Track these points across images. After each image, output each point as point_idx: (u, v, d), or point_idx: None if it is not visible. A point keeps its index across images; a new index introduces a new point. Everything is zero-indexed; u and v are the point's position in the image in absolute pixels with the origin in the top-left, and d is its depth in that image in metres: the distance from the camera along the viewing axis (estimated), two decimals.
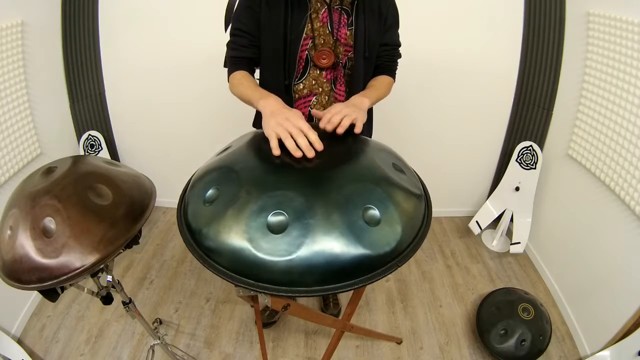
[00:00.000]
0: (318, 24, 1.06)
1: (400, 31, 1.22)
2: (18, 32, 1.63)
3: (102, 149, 2.20)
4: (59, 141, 2.07)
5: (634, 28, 1.40)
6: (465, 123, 2.18)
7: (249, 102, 1.02)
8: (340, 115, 0.86)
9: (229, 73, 1.13)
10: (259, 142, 0.85)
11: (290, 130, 0.78)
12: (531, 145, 2.06)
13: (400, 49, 1.24)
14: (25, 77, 1.72)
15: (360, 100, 1.00)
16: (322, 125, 0.86)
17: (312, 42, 1.07)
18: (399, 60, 1.27)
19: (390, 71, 1.24)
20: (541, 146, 2.07)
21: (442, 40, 1.94)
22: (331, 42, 1.08)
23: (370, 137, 1.30)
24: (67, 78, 2.06)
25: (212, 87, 2.09)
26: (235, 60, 1.12)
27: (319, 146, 0.76)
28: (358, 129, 0.88)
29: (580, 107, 1.73)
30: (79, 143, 2.18)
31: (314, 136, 0.77)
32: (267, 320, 1.73)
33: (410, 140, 2.22)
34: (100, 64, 2.05)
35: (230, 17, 1.89)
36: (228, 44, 1.13)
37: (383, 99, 1.17)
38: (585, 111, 1.70)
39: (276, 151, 0.76)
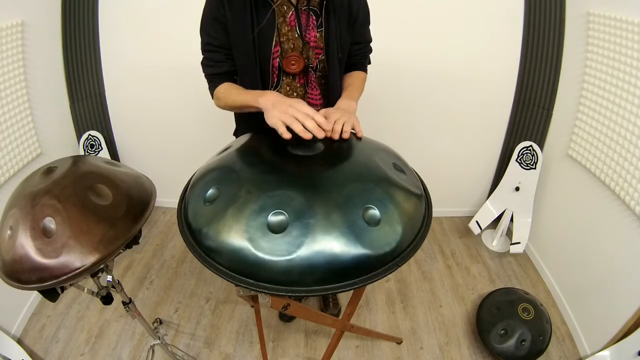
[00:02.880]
0: (286, 28, 1.01)
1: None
2: (18, 32, 1.63)
3: (102, 149, 2.20)
4: (59, 141, 2.07)
5: (634, 28, 1.40)
6: (465, 123, 2.18)
7: (245, 107, 0.99)
8: (340, 122, 0.86)
9: (211, 90, 1.09)
10: (259, 142, 0.85)
11: (296, 115, 0.77)
12: (531, 145, 2.06)
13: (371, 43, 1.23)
14: (25, 77, 1.72)
15: (349, 105, 1.00)
16: (327, 135, 0.86)
17: (281, 47, 1.02)
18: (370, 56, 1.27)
19: (363, 66, 1.23)
20: (541, 146, 2.07)
21: (442, 41, 1.93)
22: (300, 45, 1.04)
23: None
24: (67, 78, 2.06)
25: None
26: (214, 77, 1.07)
27: (327, 126, 0.76)
28: (360, 133, 0.89)
29: (580, 107, 1.73)
30: (79, 143, 2.18)
31: (320, 118, 0.77)
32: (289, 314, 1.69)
33: (410, 140, 2.22)
34: (100, 64, 2.05)
35: None
36: (202, 62, 1.08)
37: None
38: (585, 111, 1.70)
39: (287, 135, 0.75)
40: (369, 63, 1.28)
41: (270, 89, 1.08)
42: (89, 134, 2.17)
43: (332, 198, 0.65)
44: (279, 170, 0.75)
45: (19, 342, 1.63)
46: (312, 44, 1.03)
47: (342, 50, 1.07)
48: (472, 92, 2.07)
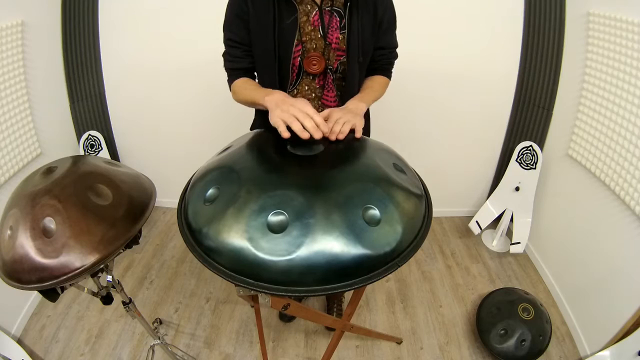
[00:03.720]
0: (309, 28, 1.00)
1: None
2: (18, 32, 1.63)
3: (102, 149, 2.20)
4: (59, 141, 2.07)
5: (634, 28, 1.40)
6: (466, 123, 2.18)
7: (254, 104, 1.00)
8: (340, 123, 0.86)
9: (230, 83, 1.11)
10: (259, 142, 0.86)
11: (296, 114, 0.78)
12: (531, 145, 2.06)
13: (397, 49, 1.21)
14: (25, 77, 1.72)
15: (356, 106, 0.98)
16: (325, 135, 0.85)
17: (303, 47, 1.02)
18: (395, 61, 1.23)
19: (387, 72, 1.21)
20: (541, 146, 2.07)
21: (443, 41, 1.93)
22: (322, 46, 1.02)
23: (368, 136, 1.29)
24: (67, 78, 2.06)
25: (213, 87, 2.09)
26: (233, 72, 1.10)
27: (325, 128, 0.76)
28: (358, 134, 0.88)
29: (580, 107, 1.73)
30: (79, 143, 2.18)
31: (319, 119, 0.77)
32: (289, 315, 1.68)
33: (411, 140, 2.22)
34: (100, 64, 2.05)
35: None
36: (223, 55, 1.11)
37: (379, 99, 1.15)
38: (585, 111, 1.70)
39: (285, 134, 0.76)
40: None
41: (289, 88, 1.08)
42: (89, 134, 2.17)
43: (332, 198, 0.65)
44: (279, 170, 0.75)
45: (19, 342, 1.63)
46: (333, 45, 1.02)
47: (364, 54, 1.05)
48: (472, 92, 2.07)
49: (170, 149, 2.34)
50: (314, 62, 1.03)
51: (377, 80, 1.16)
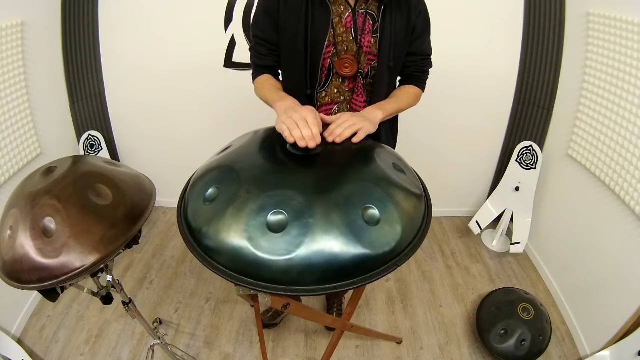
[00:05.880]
0: (341, 29, 0.99)
1: None
2: (18, 32, 1.63)
3: (102, 149, 2.20)
4: (59, 141, 2.07)
5: (634, 28, 1.40)
6: (465, 123, 2.18)
7: (268, 104, 1.00)
8: (343, 127, 0.85)
9: (253, 78, 1.12)
10: (259, 142, 0.85)
11: (298, 122, 0.78)
12: (531, 145, 2.06)
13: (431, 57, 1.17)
14: (25, 77, 1.72)
15: (372, 112, 0.96)
16: (324, 134, 0.85)
17: (334, 49, 1.00)
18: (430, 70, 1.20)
19: (419, 82, 1.17)
20: (541, 146, 2.07)
21: (442, 40, 1.92)
22: (355, 49, 1.01)
23: (394, 147, 1.26)
24: (67, 78, 2.06)
25: (212, 87, 2.09)
26: (257, 68, 1.10)
27: (313, 143, 0.76)
28: (356, 139, 0.86)
29: (580, 107, 1.73)
30: (79, 143, 2.18)
31: (316, 130, 0.78)
32: (269, 321, 1.72)
33: (410, 140, 2.21)
34: (100, 64, 2.05)
35: (231, 18, 1.89)
36: (250, 50, 1.11)
37: (407, 109, 1.13)
38: (585, 111, 1.70)
39: (291, 138, 0.77)
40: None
41: (317, 89, 1.06)
42: (89, 134, 2.17)
43: (332, 198, 0.65)
44: (279, 169, 0.75)
45: (19, 342, 1.63)
46: (365, 48, 1.00)
47: (395, 59, 1.03)
48: (472, 92, 2.07)
49: (170, 148, 2.34)
50: (347, 64, 1.01)
51: (405, 90, 1.14)
